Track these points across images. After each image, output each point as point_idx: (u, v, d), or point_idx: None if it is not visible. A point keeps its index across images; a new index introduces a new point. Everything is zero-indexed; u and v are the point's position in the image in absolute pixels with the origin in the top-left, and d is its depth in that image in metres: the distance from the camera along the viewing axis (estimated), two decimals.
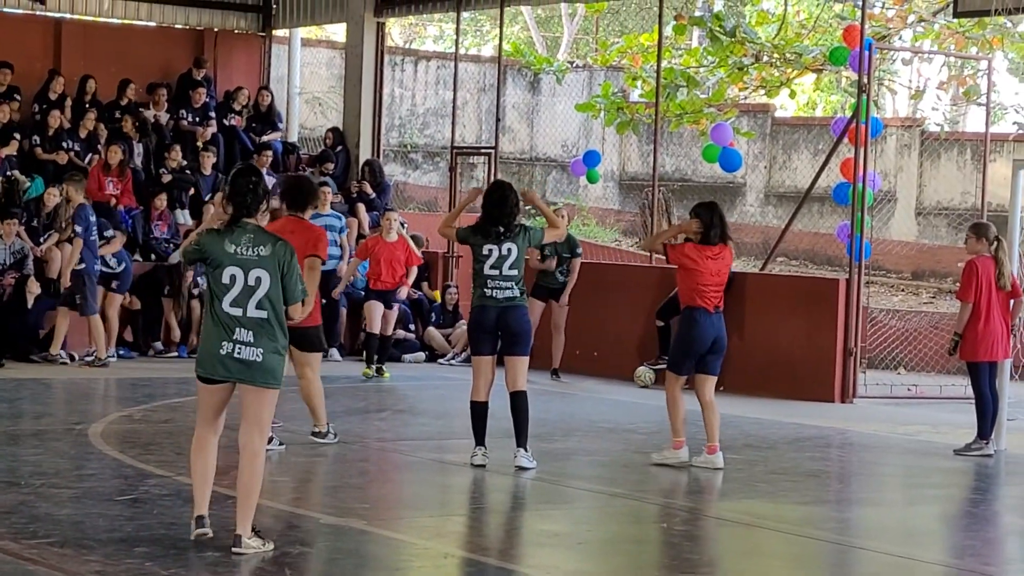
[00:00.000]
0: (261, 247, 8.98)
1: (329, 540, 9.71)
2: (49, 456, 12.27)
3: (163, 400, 16.33)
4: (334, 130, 25.45)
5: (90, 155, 22.50)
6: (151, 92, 24.27)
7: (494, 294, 12.22)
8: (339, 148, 24.82)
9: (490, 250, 12.22)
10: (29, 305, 19.15)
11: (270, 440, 13.04)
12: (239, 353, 8.89)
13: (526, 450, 12.32)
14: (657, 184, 23.12)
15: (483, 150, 25.87)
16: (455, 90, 25.05)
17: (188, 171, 22.96)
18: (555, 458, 13.50)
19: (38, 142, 22.37)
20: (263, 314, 8.93)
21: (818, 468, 14.01)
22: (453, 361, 21.49)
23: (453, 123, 25.12)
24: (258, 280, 8.95)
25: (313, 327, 12.70)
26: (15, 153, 21.87)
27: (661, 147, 23.54)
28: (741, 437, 15.17)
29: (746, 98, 30.94)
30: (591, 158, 24.19)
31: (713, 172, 29.84)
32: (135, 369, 19.02)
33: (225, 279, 8.95)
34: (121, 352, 19.99)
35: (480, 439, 12.37)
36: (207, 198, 22.52)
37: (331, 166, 24.17)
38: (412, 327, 22.13)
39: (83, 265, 18.71)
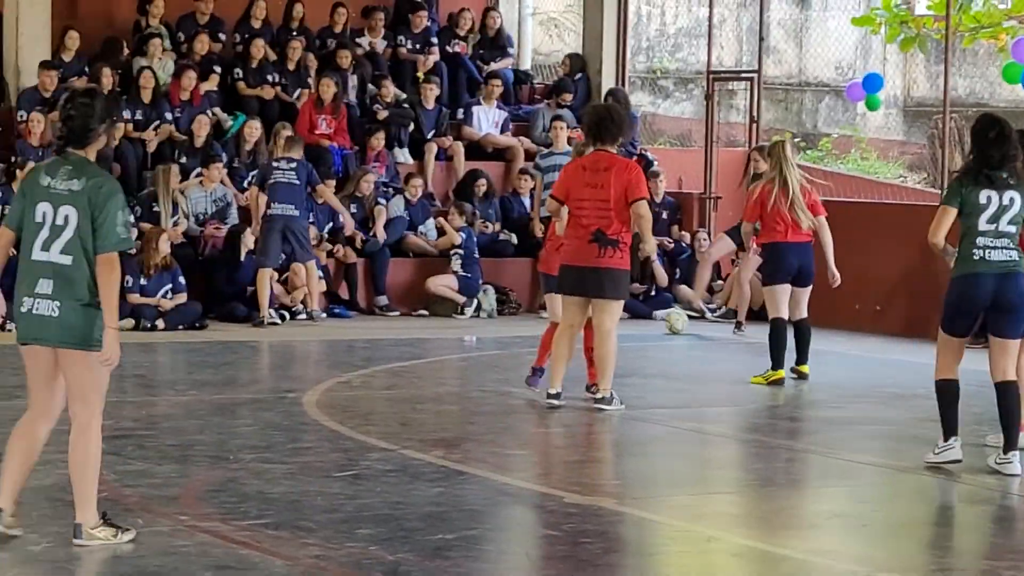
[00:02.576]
0: (75, 181, 8.56)
1: (575, 522, 9.76)
2: (260, 428, 12.50)
3: (384, 364, 16.53)
4: (572, 55, 25.50)
5: (299, 90, 22.82)
6: (366, 16, 24.52)
7: (987, 255, 11.14)
8: (578, 76, 24.85)
9: (988, 198, 11.14)
10: (241, 258, 19.49)
11: (611, 400, 13.27)
12: (37, 308, 8.55)
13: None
14: (948, 111, 22.81)
15: (744, 75, 25.75)
16: (711, 6, 24.92)
17: (407, 105, 23.18)
18: (834, 427, 13.45)
19: (240, 76, 22.76)
20: (67, 260, 8.52)
21: None
22: (710, 316, 21.47)
23: (709, 44, 24.98)
24: (66, 219, 8.53)
25: (620, 270, 13.07)
26: (216, 88, 22.27)
27: (953, 67, 23.17)
28: None
29: None
30: (871, 82, 23.91)
31: (1015, 94, 29.35)
32: (351, 329, 19.30)
33: (37, 217, 8.59)
34: (337, 311, 20.24)
35: (953, 428, 11.55)
36: (430, 135, 22.75)
37: (569, 97, 24.22)
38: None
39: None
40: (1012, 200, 11.00)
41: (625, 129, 13.46)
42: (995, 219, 10.99)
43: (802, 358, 15.82)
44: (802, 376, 15.74)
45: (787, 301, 15.50)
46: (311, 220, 20.20)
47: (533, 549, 9.25)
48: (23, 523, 9.04)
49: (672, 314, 19.74)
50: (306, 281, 19.60)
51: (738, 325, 19.77)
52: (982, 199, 11.00)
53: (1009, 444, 11.17)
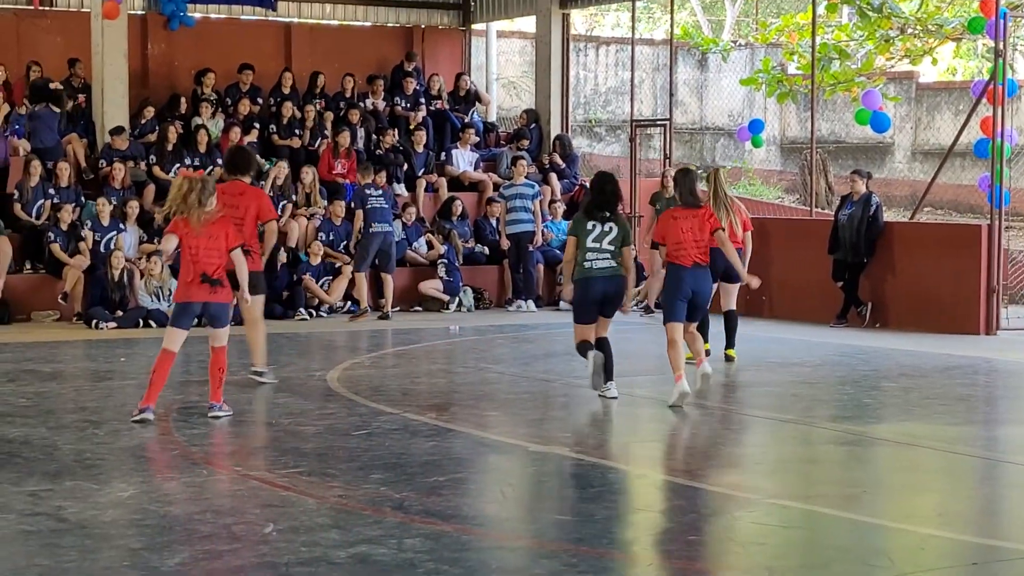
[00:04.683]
0: None
1: (537, 465, 9.81)
2: (295, 399, 12.50)
3: (388, 349, 16.57)
4: (528, 110, 25.52)
5: (319, 140, 22.82)
6: (370, 83, 24.55)
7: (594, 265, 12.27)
8: (532, 126, 24.89)
9: (594, 226, 12.30)
10: (277, 268, 19.46)
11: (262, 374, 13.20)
12: None
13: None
14: (815, 146, 22.92)
15: (659, 122, 25.78)
16: (632, 70, 24.96)
17: (402, 150, 23.19)
18: (733, 389, 13.51)
19: (274, 130, 22.76)
20: None
21: (967, 393, 13.83)
22: (634, 308, 21.51)
23: (632, 99, 25.04)
24: None
25: (255, 272, 12.59)
26: (255, 140, 22.28)
27: (817, 113, 23.25)
28: (896, 368, 15.04)
29: (892, 66, 30.48)
30: (755, 126, 24.00)
31: (864, 134, 29.48)
32: (364, 322, 19.30)
33: None
34: (353, 308, 20.19)
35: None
36: (420, 172, 22.79)
37: (526, 142, 24.27)
38: None
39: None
40: (611, 228, 12.27)
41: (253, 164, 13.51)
42: (598, 240, 12.23)
43: (730, 343, 15.32)
44: (730, 359, 15.17)
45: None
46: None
47: (506, 487, 9.26)
48: (110, 478, 9.04)
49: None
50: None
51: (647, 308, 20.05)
52: (589, 227, 12.28)
53: (609, 376, 12.43)
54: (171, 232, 11.28)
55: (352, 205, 20.11)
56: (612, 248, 12.26)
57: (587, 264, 12.25)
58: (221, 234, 11.33)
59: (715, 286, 14.29)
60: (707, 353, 14.90)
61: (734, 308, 15.52)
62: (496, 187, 23.13)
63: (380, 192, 19.70)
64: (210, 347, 11.57)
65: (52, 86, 21.16)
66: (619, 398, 12.39)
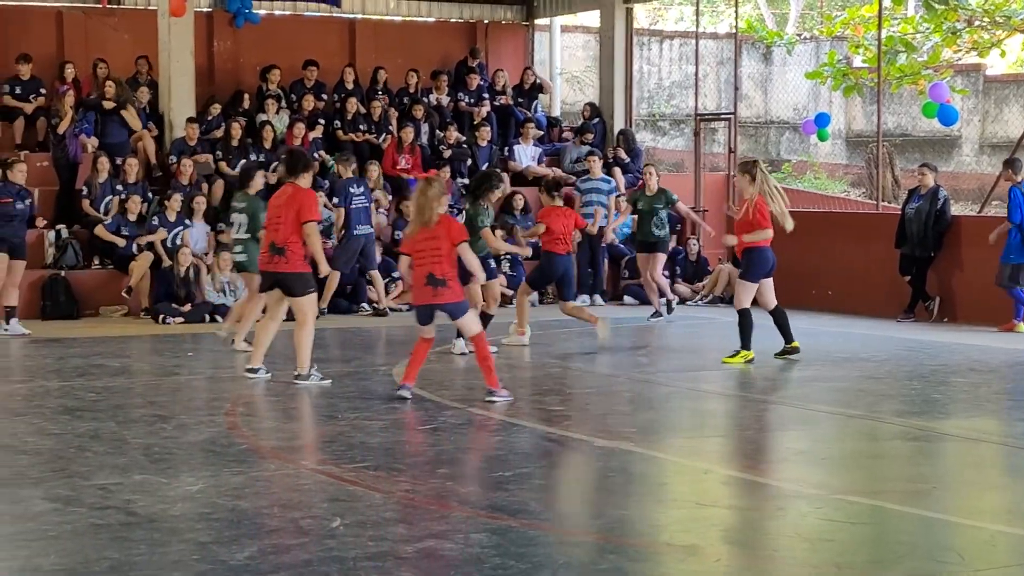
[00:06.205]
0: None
1: (602, 460, 9.78)
2: (361, 394, 12.51)
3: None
4: (591, 104, 25.50)
5: (383, 135, 22.88)
6: (434, 79, 24.59)
7: None
8: (596, 120, 24.86)
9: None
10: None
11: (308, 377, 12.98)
12: None
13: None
14: (881, 140, 22.75)
15: (723, 116, 25.68)
16: (696, 64, 24.88)
17: (466, 145, 23.21)
18: (798, 385, 13.43)
19: (339, 126, 22.83)
20: None
21: None
22: (699, 302, 21.48)
23: (696, 93, 24.96)
24: None
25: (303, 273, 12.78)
26: (320, 136, 22.37)
27: (883, 106, 23.08)
28: (965, 363, 14.91)
29: (960, 59, 30.29)
30: (821, 119, 23.85)
31: (931, 127, 29.26)
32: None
33: None
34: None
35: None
36: (484, 166, 22.78)
37: (591, 136, 24.26)
38: (666, 274, 22.11)
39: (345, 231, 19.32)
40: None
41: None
42: None
43: (789, 337, 14.88)
44: (795, 351, 14.80)
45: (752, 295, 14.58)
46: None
47: (572, 482, 9.25)
48: (179, 472, 9.09)
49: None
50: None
51: (656, 314, 19.05)
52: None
53: None
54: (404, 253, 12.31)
55: (335, 202, 19.84)
56: None
57: None
58: (443, 234, 11.77)
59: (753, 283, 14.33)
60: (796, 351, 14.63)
61: (776, 303, 14.86)
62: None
63: (363, 190, 19.53)
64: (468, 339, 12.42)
65: (105, 104, 21.15)
66: (685, 391, 12.33)
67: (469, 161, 22.96)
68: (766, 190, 14.30)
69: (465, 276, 12.47)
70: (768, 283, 14.72)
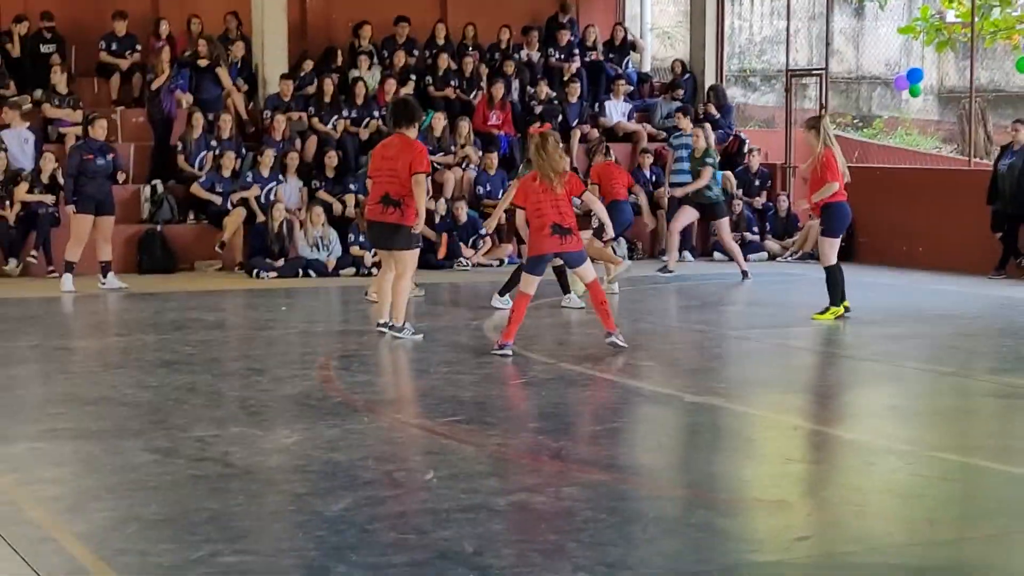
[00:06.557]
0: None
1: (692, 415, 9.80)
2: (453, 349, 12.56)
3: (544, 299, 16.57)
4: (681, 61, 25.36)
5: (474, 91, 22.91)
6: (524, 34, 24.55)
7: None
8: (686, 76, 24.75)
9: None
10: (436, 222, 19.58)
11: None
12: None
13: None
14: (974, 96, 22.52)
15: (815, 72, 25.45)
16: (788, 19, 24.69)
17: (556, 102, 23.19)
18: (889, 341, 13.35)
19: (430, 82, 22.88)
20: None
21: None
22: (789, 259, 21.38)
23: (787, 48, 24.78)
24: None
25: (407, 225, 12.71)
26: (412, 92, 22.40)
27: (976, 62, 22.79)
28: None
29: None
30: (914, 75, 23.62)
31: None
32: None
33: None
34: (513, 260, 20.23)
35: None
36: (574, 123, 22.75)
37: (681, 92, 24.17)
38: (756, 230, 22.05)
39: None
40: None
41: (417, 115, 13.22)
42: None
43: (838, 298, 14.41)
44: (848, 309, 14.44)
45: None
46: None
47: (662, 437, 9.29)
48: (274, 425, 9.21)
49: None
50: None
51: (664, 268, 18.89)
52: None
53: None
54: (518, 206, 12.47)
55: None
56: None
57: None
58: (565, 186, 12.08)
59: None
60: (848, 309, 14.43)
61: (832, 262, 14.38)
62: (651, 139, 23.07)
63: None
64: (585, 286, 12.58)
65: (200, 62, 21.27)
66: (775, 348, 12.30)
67: (560, 117, 22.92)
68: (831, 143, 14.14)
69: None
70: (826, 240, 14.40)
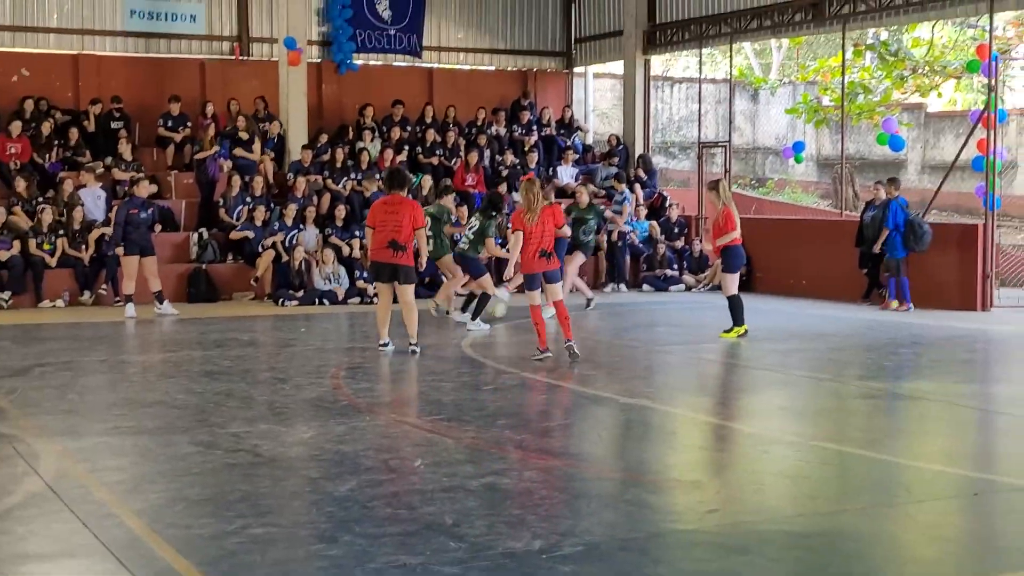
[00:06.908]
0: None
1: (627, 414, 9.73)
2: (437, 362, 12.47)
3: (510, 322, 16.48)
4: (616, 135, 25.37)
5: (454, 159, 22.84)
6: (494, 114, 24.51)
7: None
8: (620, 147, 24.74)
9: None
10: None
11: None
12: None
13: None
14: (844, 162, 22.62)
15: (720, 143, 25.47)
16: (700, 103, 24.73)
17: (519, 167, 23.14)
18: (780, 355, 13.33)
19: (420, 151, 22.81)
20: None
21: (968, 357, 13.55)
22: (701, 290, 21.32)
23: (699, 125, 24.81)
24: None
25: (409, 265, 12.80)
26: (405, 159, 22.35)
27: (846, 136, 22.88)
28: (910, 337, 14.76)
29: (906, 99, 30.13)
30: (797, 146, 23.65)
31: (884, 152, 29.02)
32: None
33: None
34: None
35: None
36: None
37: (616, 159, 24.16)
38: (675, 267, 22.01)
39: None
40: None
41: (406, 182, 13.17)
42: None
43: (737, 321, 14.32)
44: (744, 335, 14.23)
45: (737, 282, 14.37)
46: None
47: (603, 431, 9.22)
48: (294, 422, 9.09)
49: (497, 304, 16.43)
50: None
51: (589, 303, 17.79)
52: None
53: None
54: (516, 229, 12.45)
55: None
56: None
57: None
58: (549, 219, 12.49)
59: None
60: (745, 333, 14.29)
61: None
62: (593, 195, 23.02)
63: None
64: (552, 303, 12.69)
65: (240, 135, 21.15)
66: (691, 360, 12.24)
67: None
68: (727, 202, 14.27)
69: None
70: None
